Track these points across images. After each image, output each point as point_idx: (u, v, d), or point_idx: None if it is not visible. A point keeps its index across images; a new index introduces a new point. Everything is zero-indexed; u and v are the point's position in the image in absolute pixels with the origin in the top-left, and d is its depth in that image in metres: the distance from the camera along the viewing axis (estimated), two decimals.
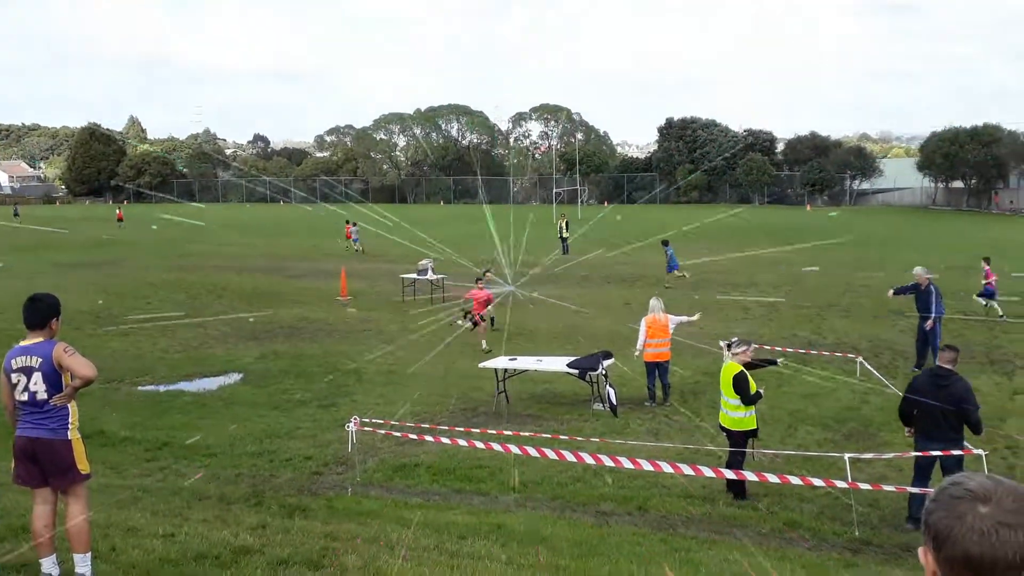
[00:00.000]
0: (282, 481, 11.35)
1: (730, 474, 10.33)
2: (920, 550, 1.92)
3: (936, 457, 9.95)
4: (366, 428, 11.73)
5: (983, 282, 24.13)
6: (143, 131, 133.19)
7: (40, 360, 6.46)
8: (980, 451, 10.72)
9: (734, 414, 11.07)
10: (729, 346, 11.52)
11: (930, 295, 17.69)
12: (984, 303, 23.94)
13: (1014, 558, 1.79)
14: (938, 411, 9.93)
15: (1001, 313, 23.61)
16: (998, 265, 25.72)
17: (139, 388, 16.93)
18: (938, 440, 9.95)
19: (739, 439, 11.09)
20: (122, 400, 15.99)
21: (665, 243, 31.35)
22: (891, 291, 19.31)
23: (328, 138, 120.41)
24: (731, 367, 11.15)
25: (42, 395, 6.47)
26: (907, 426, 10.55)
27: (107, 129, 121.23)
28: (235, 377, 17.88)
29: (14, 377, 6.48)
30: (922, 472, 10.13)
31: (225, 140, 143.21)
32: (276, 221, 69.80)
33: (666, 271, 31.04)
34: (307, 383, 17.03)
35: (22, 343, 6.56)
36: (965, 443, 10.64)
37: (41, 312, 6.60)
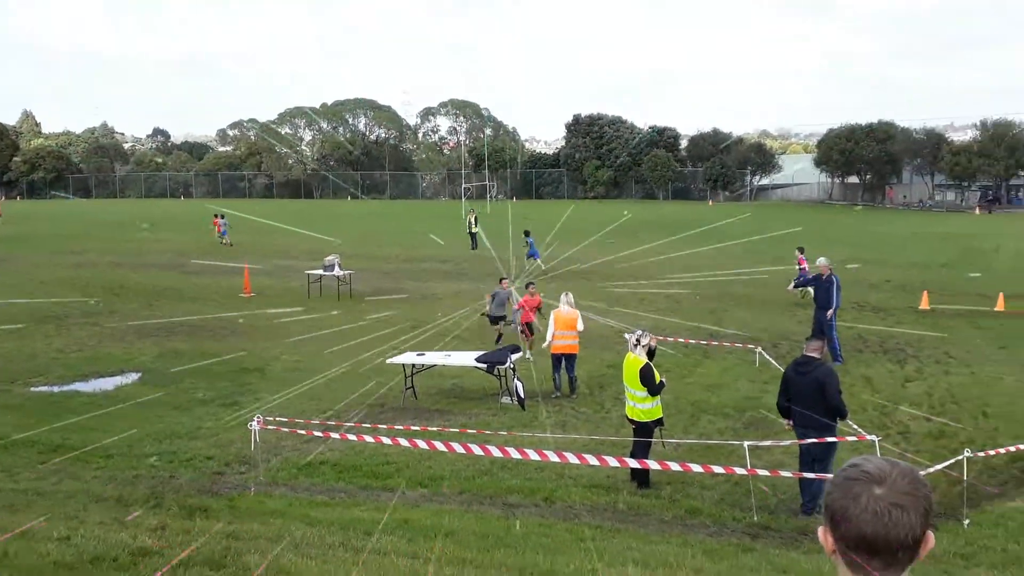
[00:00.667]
0: (182, 482, 11.09)
1: (633, 463, 10.51)
2: (820, 530, 1.97)
3: (813, 444, 10.29)
4: (270, 426, 11.54)
5: (797, 268, 25.73)
6: (37, 125, 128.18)
7: None
8: (873, 437, 11.15)
9: (641, 406, 11.25)
10: (638, 341, 11.63)
11: (831, 285, 18.23)
12: (799, 291, 24.71)
13: (906, 538, 1.85)
14: (807, 400, 10.28)
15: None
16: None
17: (33, 389, 16.32)
18: (812, 427, 10.30)
19: (647, 430, 11.27)
20: (15, 402, 15.40)
21: (526, 233, 34.49)
22: (791, 285, 19.82)
23: (231, 132, 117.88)
24: (635, 361, 11.32)
25: None
26: (785, 419, 10.90)
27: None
28: (133, 377, 17.39)
29: None
30: (806, 459, 10.49)
31: (123, 134, 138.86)
32: (174, 216, 68.00)
33: (527, 259, 33.09)
34: (209, 382, 16.68)
35: None
36: (859, 429, 11.06)
37: None
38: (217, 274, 32.52)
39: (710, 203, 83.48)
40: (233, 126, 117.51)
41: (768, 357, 17.21)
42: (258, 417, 11.29)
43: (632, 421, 11.46)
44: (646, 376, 11.11)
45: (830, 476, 9.80)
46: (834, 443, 10.37)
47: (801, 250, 26.71)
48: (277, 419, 12.00)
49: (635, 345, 11.49)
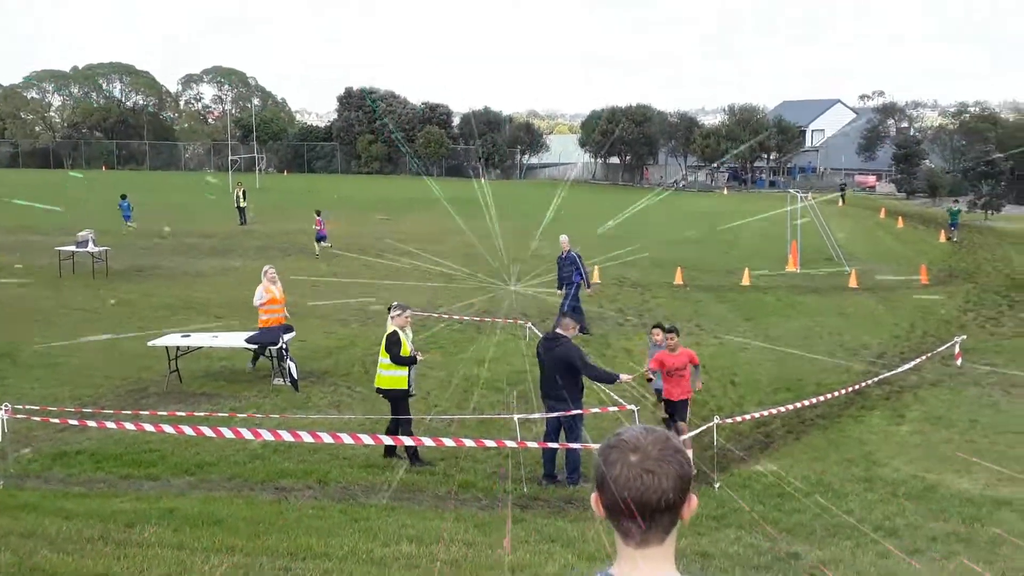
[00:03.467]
0: None
1: (408, 441, 10.64)
2: (592, 497, 2.09)
3: (558, 417, 10.85)
4: (19, 415, 10.74)
5: (315, 228, 31.00)
6: None
7: None
8: (632, 407, 11.85)
9: (387, 373, 11.39)
10: (389, 309, 11.91)
11: (574, 262, 19.09)
12: (319, 247, 30.72)
13: (658, 502, 1.99)
14: (554, 374, 10.85)
15: (319, 252, 30.45)
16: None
17: None
18: (554, 399, 10.87)
19: (396, 402, 11.38)
20: None
21: (123, 196, 37.04)
22: (557, 289, 20.19)
23: None
24: (387, 328, 11.55)
25: None
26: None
27: None
28: None
29: None
30: (549, 431, 11.06)
31: None
32: None
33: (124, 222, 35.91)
34: None
35: None
36: (620, 400, 11.73)
37: None
38: None
39: (482, 180, 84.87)
40: None
41: (538, 332, 17.81)
42: (5, 406, 10.47)
43: (379, 390, 11.59)
44: (391, 343, 11.28)
45: (578, 446, 10.42)
46: (580, 414, 10.91)
47: (319, 212, 31.29)
48: (27, 407, 11.19)
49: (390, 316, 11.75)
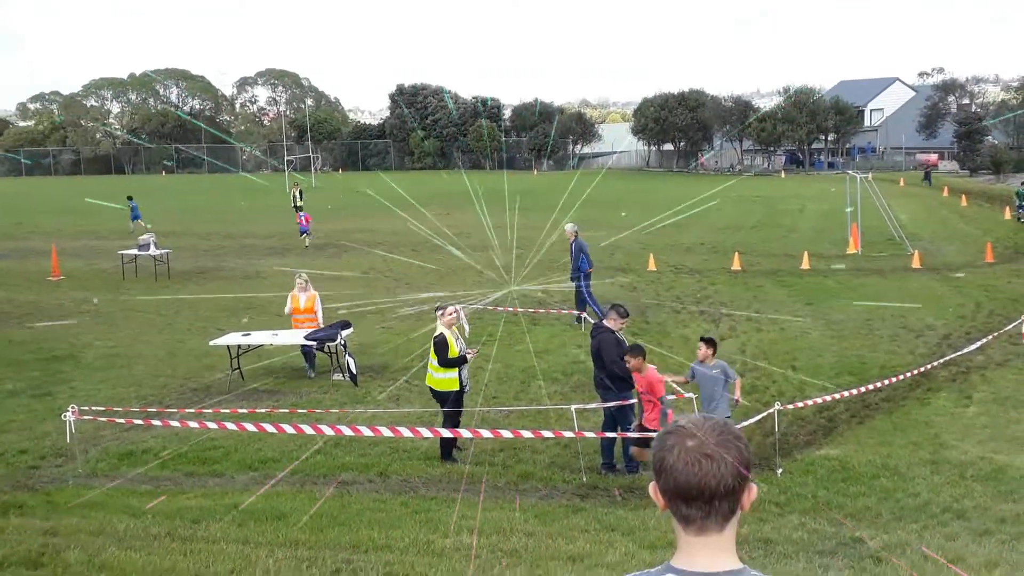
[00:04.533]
0: None
1: (468, 433, 10.66)
2: (651, 486, 2.08)
3: (611, 408, 10.78)
4: (86, 416, 11.00)
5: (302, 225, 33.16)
6: None
7: None
8: (691, 395, 11.75)
9: (437, 375, 11.38)
10: (437, 310, 11.88)
11: (580, 250, 18.97)
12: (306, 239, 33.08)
13: (717, 487, 1.97)
14: (597, 363, 10.82)
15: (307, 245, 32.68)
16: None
17: None
18: (603, 388, 10.82)
19: (444, 400, 11.36)
20: None
21: (129, 198, 38.38)
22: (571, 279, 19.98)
23: (32, 106, 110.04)
24: (435, 330, 11.52)
25: None
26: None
27: None
28: None
29: None
30: (606, 420, 10.98)
31: None
32: None
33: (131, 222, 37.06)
34: (18, 371, 15.67)
35: None
36: (679, 388, 11.61)
37: None
38: (22, 257, 30.57)
39: (535, 172, 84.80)
40: (34, 99, 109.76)
41: (593, 323, 17.73)
42: (73, 407, 10.73)
43: (432, 391, 11.62)
44: (438, 347, 11.26)
45: (633, 435, 10.33)
46: (630, 404, 10.81)
47: (300, 209, 34.90)
48: (94, 408, 11.45)
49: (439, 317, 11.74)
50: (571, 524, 8.74)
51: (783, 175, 73.91)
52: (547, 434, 10.40)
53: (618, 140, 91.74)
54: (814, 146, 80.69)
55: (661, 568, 2.06)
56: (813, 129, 75.41)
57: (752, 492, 2.04)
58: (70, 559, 7.19)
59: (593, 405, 11.97)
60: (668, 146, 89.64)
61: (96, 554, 7.31)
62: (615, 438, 10.73)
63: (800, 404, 12.13)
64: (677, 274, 25.30)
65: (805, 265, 25.64)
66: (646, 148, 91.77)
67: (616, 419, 10.78)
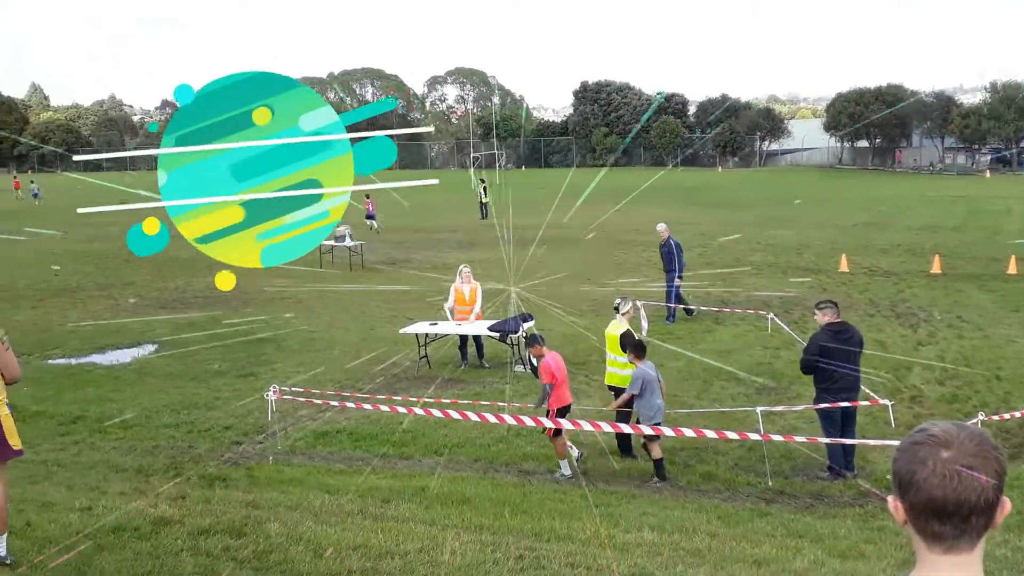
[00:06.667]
0: (201, 452, 11.20)
1: (647, 430, 10.56)
2: (889, 499, 1.95)
3: (842, 408, 10.33)
4: (286, 396, 11.64)
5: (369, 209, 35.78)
6: (46, 98, 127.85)
7: None
8: (886, 401, 11.21)
9: (621, 372, 11.29)
10: (617, 308, 11.78)
11: (671, 250, 18.69)
12: (370, 225, 35.86)
13: (978, 501, 1.82)
14: (845, 362, 10.30)
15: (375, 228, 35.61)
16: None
17: (50, 361, 16.45)
18: (847, 391, 10.33)
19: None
20: (33, 374, 15.49)
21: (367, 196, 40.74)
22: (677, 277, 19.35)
23: None
24: (617, 326, 11.41)
25: None
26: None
27: (8, 96, 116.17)
28: (149, 348, 17.51)
29: None
30: (833, 423, 10.50)
31: (132, 106, 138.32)
32: None
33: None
34: (224, 352, 16.77)
35: None
36: (872, 394, 11.10)
37: None
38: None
39: (719, 169, 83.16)
40: None
41: (780, 323, 17.23)
42: (274, 387, 11.38)
43: (611, 388, 11.52)
44: (624, 341, 11.16)
45: (827, 440, 9.91)
46: (825, 408, 10.38)
47: (368, 196, 34.41)
48: (293, 389, 12.11)
49: (617, 312, 11.60)
50: (756, 528, 8.51)
51: (988, 175, 69.25)
52: (731, 435, 10.16)
53: (809, 136, 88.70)
54: (1023, 144, 75.18)
55: None
56: (1022, 126, 70.28)
57: (1006, 507, 1.87)
58: (270, 531, 7.62)
59: (780, 408, 11.63)
60: (863, 143, 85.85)
61: (294, 527, 7.72)
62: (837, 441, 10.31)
63: (1006, 416, 11.34)
64: (871, 276, 24.19)
65: (1012, 270, 23.94)
66: (839, 145, 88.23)
67: (831, 421, 10.38)
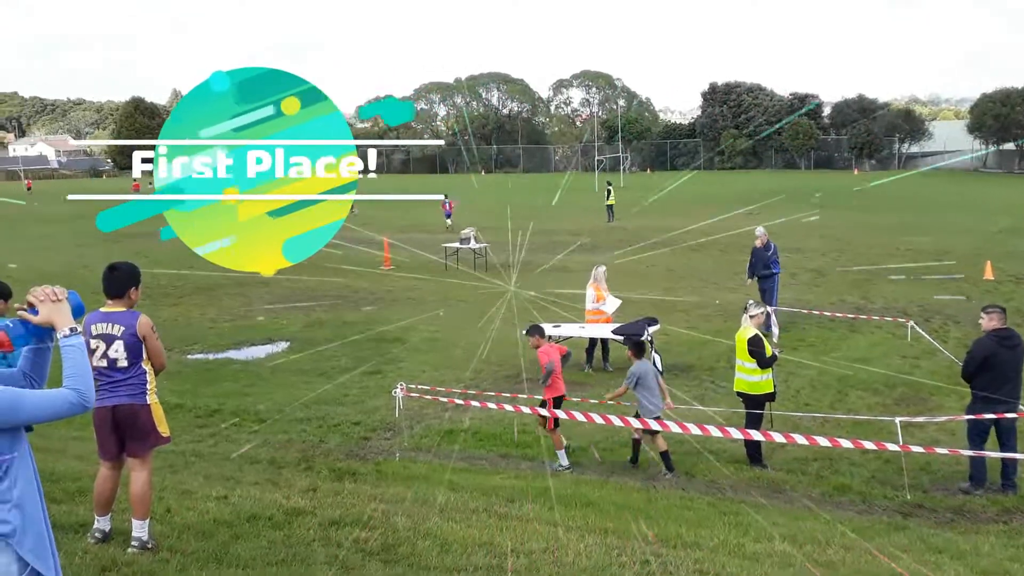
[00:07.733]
0: (331, 446, 11.47)
1: (780, 437, 10.24)
2: None
3: (992, 420, 9.79)
4: (412, 394, 11.79)
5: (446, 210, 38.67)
6: None
7: (123, 329, 6.53)
8: None
9: (751, 378, 10.99)
10: (745, 308, 11.50)
11: (772, 252, 18.37)
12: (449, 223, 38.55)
13: None
14: (1009, 370, 9.76)
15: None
16: None
17: (189, 356, 17.15)
18: (1008, 401, 9.77)
19: (756, 403, 10.98)
20: (173, 368, 16.17)
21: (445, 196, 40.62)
22: (747, 279, 19.01)
23: None
24: (746, 331, 11.09)
25: (123, 362, 6.56)
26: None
27: (151, 102, 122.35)
28: (282, 345, 18.06)
29: (92, 343, 6.53)
30: (981, 434, 9.96)
31: None
32: None
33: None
34: (353, 351, 17.12)
35: (102, 309, 6.62)
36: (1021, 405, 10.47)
37: (120, 281, 6.66)
38: (356, 246, 33.42)
39: (855, 172, 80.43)
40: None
41: (921, 331, 16.48)
42: (401, 385, 11.54)
43: (740, 394, 11.21)
44: (755, 346, 10.84)
45: (969, 453, 9.39)
46: (973, 418, 9.87)
47: (446, 196, 37.80)
48: (419, 387, 12.26)
49: (746, 317, 11.31)
50: (892, 542, 8.13)
51: None
52: (868, 445, 9.74)
53: (951, 139, 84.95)
54: None
55: None
56: None
57: None
58: (397, 525, 7.70)
59: (920, 419, 11.11)
60: (1009, 145, 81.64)
61: (420, 522, 7.78)
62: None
63: None
64: (1018, 284, 22.91)
65: None
66: (984, 147, 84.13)
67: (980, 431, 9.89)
